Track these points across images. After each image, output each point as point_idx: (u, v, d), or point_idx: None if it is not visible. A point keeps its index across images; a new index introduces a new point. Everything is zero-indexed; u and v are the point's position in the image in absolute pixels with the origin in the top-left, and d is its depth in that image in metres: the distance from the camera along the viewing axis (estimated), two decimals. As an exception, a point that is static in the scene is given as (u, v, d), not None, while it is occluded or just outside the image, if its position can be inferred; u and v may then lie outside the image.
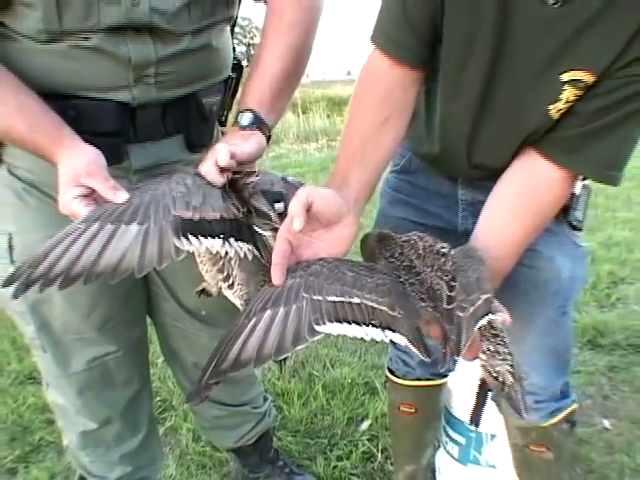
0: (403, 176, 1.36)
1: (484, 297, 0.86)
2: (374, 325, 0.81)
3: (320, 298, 0.81)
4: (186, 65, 1.09)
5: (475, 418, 0.99)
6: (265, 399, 1.63)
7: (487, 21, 0.96)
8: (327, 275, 0.84)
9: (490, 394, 0.98)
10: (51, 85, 1.01)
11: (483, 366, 0.91)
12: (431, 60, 1.07)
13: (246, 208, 0.93)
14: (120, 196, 0.85)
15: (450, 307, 0.85)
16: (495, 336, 0.88)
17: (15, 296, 0.76)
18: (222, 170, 0.93)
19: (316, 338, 0.80)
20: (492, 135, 1.09)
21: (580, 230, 1.24)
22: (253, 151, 1.00)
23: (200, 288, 1.07)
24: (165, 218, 0.82)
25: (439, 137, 1.16)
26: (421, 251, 0.92)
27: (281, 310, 0.81)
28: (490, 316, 0.86)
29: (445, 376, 1.56)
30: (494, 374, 0.89)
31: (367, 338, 0.81)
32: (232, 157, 0.93)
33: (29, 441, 2.08)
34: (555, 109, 1.00)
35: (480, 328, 0.86)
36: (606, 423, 2.03)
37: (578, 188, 1.16)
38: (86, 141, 0.95)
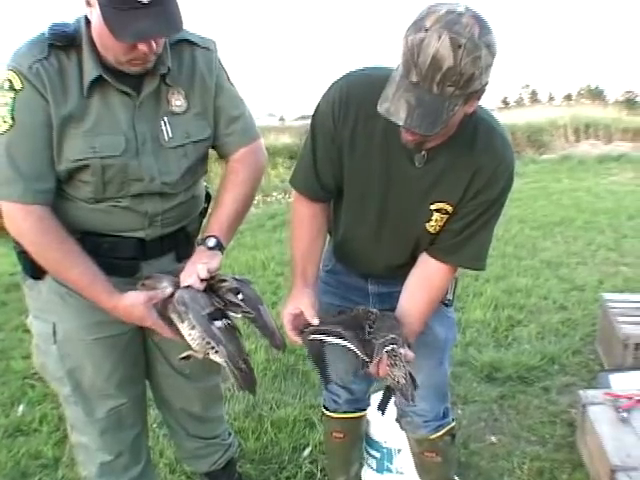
0: (331, 274, 1.83)
1: (391, 336, 1.43)
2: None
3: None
4: (180, 211, 1.62)
5: (382, 408, 1.54)
6: (229, 434, 2.10)
7: (376, 177, 1.50)
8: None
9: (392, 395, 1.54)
10: (94, 228, 1.53)
11: (388, 375, 1.41)
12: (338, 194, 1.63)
13: (223, 302, 1.49)
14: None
15: (369, 337, 1.45)
16: (396, 357, 1.41)
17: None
18: (202, 280, 1.48)
19: None
20: (387, 248, 1.63)
21: (450, 306, 1.81)
22: (217, 266, 1.54)
23: (185, 355, 1.51)
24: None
25: (341, 254, 1.75)
26: (360, 312, 1.53)
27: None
28: (393, 346, 1.41)
29: (364, 410, 2.06)
30: (394, 379, 1.40)
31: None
32: (208, 272, 1.48)
33: (29, 484, 2.42)
34: (430, 227, 1.54)
35: (387, 352, 1.41)
36: (493, 439, 2.60)
37: None
38: (115, 264, 1.51)
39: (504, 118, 15.62)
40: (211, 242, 1.56)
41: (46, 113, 1.40)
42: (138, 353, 1.74)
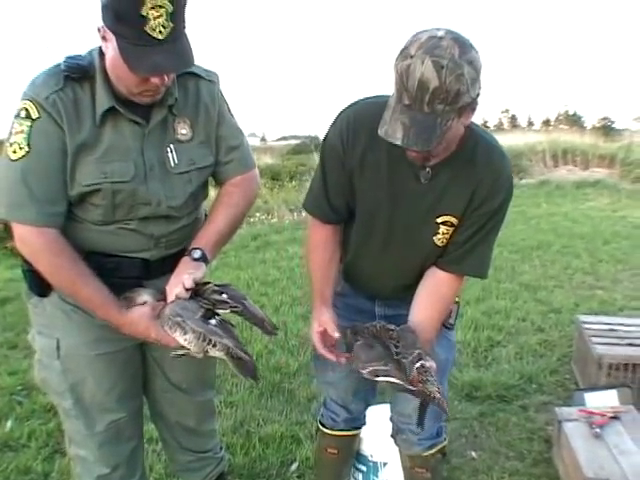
0: (339, 297, 1.86)
1: (417, 352, 1.50)
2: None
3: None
4: (183, 233, 1.70)
5: (420, 424, 1.57)
6: (221, 448, 2.15)
7: (385, 196, 1.61)
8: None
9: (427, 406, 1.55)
10: (101, 248, 1.60)
11: (422, 391, 1.45)
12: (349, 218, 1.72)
13: (209, 302, 1.58)
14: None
15: (397, 357, 1.51)
16: (427, 373, 1.47)
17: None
18: (187, 289, 1.57)
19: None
20: (396, 266, 1.73)
21: (452, 329, 1.89)
22: (202, 276, 1.62)
23: (180, 353, 1.54)
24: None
25: (351, 275, 1.84)
26: (378, 329, 1.59)
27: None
28: (422, 362, 1.48)
29: (360, 427, 2.12)
30: (430, 394, 1.44)
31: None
32: (193, 281, 1.57)
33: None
34: (437, 240, 1.64)
35: (417, 368, 1.47)
36: (474, 454, 2.70)
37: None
38: (119, 283, 1.58)
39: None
40: (196, 254, 1.64)
41: (61, 141, 1.48)
42: (137, 368, 1.80)
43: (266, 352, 3.81)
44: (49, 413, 3.13)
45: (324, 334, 1.68)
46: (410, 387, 1.45)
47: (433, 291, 1.69)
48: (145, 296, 1.61)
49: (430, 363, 1.48)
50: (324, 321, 1.68)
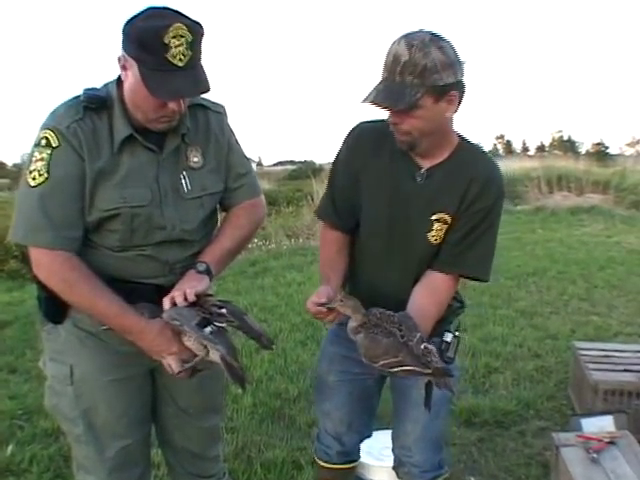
0: (341, 327, 1.82)
1: (418, 334, 1.56)
2: None
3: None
4: (195, 259, 1.73)
5: (427, 404, 1.60)
6: (224, 473, 2.17)
7: (385, 196, 1.76)
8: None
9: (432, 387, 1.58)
10: (116, 274, 1.64)
11: (438, 370, 1.50)
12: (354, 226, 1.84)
13: (208, 312, 1.61)
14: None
15: (403, 340, 1.55)
16: (430, 353, 1.53)
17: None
18: (186, 299, 1.59)
19: None
20: (396, 269, 1.81)
21: (451, 363, 1.87)
22: (205, 289, 1.66)
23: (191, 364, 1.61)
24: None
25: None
26: (379, 316, 1.61)
27: None
28: (424, 344, 1.54)
29: (353, 462, 2.12)
30: (432, 370, 1.49)
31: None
32: (195, 294, 1.61)
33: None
34: (431, 237, 1.75)
35: (422, 349, 1.52)
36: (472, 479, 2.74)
37: (449, 337, 1.84)
38: None
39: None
40: (201, 267, 1.69)
41: (80, 168, 1.55)
42: (147, 395, 1.83)
43: (266, 378, 3.84)
44: (50, 438, 3.16)
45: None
46: (427, 370, 1.50)
47: (429, 292, 1.75)
48: (144, 312, 1.63)
49: (431, 346, 1.55)
50: (321, 290, 1.70)
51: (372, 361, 1.56)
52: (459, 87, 1.61)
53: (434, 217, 1.74)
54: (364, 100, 1.60)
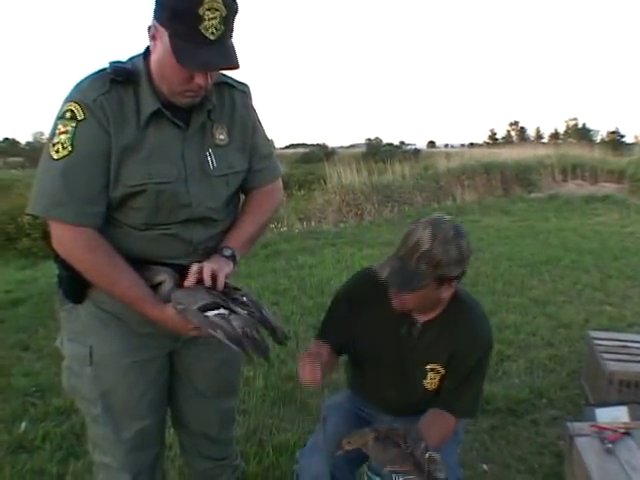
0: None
1: (423, 444, 1.62)
2: None
3: None
4: (219, 239, 1.71)
5: None
6: (237, 455, 2.17)
7: (385, 348, 1.87)
8: None
9: None
10: (141, 254, 1.61)
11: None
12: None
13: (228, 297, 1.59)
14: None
15: (408, 451, 1.60)
16: (435, 462, 1.60)
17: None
18: (199, 281, 1.57)
19: None
20: (396, 404, 1.94)
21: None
22: (230, 271, 1.65)
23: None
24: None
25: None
26: (385, 432, 1.68)
27: None
28: (429, 453, 1.60)
29: None
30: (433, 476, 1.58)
31: None
32: (214, 275, 1.58)
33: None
34: (427, 384, 1.87)
35: (426, 459, 1.60)
36: (485, 467, 2.72)
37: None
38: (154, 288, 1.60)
39: (495, 157, 15.92)
40: (227, 252, 1.68)
41: (105, 143, 1.51)
42: (165, 377, 1.82)
43: (278, 361, 3.83)
44: (62, 415, 3.19)
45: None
46: None
47: (434, 415, 1.85)
48: (162, 275, 1.61)
49: (436, 455, 1.62)
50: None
51: (381, 466, 1.68)
52: (461, 276, 1.74)
53: (428, 367, 1.87)
54: (378, 270, 1.71)
